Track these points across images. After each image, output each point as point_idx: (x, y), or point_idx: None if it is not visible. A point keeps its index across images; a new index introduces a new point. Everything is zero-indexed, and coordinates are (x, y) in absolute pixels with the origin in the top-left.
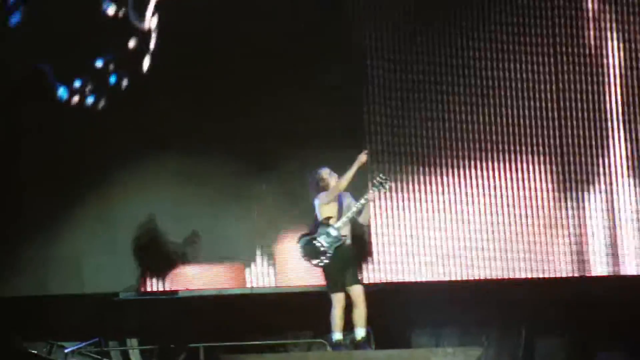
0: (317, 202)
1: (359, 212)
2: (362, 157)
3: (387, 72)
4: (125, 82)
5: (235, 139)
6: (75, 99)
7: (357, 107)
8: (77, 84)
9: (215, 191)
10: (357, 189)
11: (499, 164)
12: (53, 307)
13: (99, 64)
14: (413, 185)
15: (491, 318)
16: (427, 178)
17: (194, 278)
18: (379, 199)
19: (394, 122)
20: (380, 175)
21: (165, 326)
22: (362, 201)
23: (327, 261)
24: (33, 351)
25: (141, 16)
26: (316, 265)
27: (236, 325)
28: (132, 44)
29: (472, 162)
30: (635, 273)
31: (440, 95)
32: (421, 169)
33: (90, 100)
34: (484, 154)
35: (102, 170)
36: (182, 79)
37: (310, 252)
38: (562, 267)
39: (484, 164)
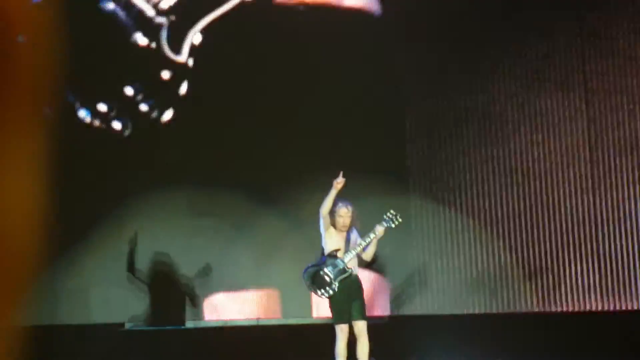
0: (322, 233)
1: (367, 245)
2: (339, 180)
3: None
4: (155, 114)
5: (245, 169)
6: (97, 122)
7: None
8: (102, 107)
9: (223, 221)
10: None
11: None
12: (59, 337)
13: (128, 91)
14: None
15: (495, 351)
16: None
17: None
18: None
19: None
20: (391, 211)
21: (171, 357)
22: (371, 235)
23: (331, 292)
24: None
25: (177, 49)
26: (320, 296)
27: (242, 356)
28: (165, 75)
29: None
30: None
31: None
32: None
33: (116, 125)
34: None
35: (113, 201)
36: (196, 114)
37: (316, 282)
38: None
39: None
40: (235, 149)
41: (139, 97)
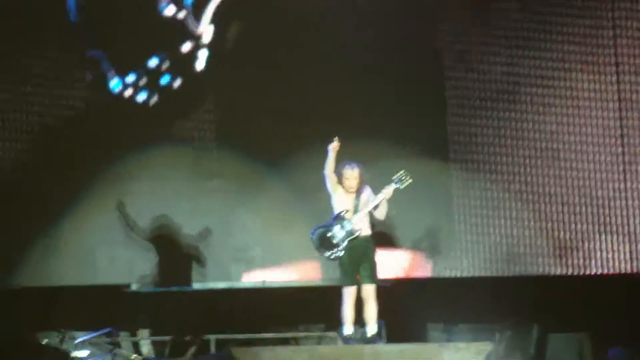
0: (331, 194)
1: (376, 206)
2: (335, 144)
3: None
4: (177, 83)
5: (250, 134)
6: (128, 92)
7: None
8: (130, 78)
9: (228, 185)
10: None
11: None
12: (66, 298)
13: (154, 62)
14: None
15: (504, 314)
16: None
17: None
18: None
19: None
20: (402, 172)
21: (177, 318)
22: (379, 195)
23: (338, 254)
24: (45, 341)
25: (198, 21)
26: (328, 257)
27: (248, 318)
28: (186, 47)
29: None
30: None
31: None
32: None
33: (141, 96)
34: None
35: (119, 162)
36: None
37: (323, 244)
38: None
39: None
40: (246, 111)
41: (162, 68)
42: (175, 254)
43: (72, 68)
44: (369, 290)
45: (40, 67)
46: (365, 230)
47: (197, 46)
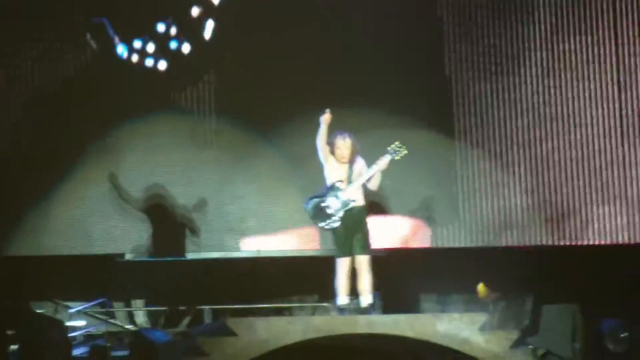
0: (323, 165)
1: (370, 177)
2: (326, 116)
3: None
4: (185, 48)
5: (246, 104)
6: (135, 58)
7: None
8: (137, 44)
9: (224, 155)
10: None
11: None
12: (59, 267)
13: (161, 27)
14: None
15: (499, 285)
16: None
17: None
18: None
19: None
20: (397, 143)
21: (171, 289)
22: (374, 167)
23: (334, 225)
24: (39, 310)
25: None
26: (322, 228)
27: (242, 289)
28: (195, 12)
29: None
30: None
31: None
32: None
33: (149, 62)
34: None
35: (113, 132)
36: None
37: (318, 214)
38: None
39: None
40: (244, 81)
41: (170, 33)
42: (169, 224)
43: (70, 35)
44: (363, 261)
45: (36, 35)
46: (359, 201)
47: (206, 11)
